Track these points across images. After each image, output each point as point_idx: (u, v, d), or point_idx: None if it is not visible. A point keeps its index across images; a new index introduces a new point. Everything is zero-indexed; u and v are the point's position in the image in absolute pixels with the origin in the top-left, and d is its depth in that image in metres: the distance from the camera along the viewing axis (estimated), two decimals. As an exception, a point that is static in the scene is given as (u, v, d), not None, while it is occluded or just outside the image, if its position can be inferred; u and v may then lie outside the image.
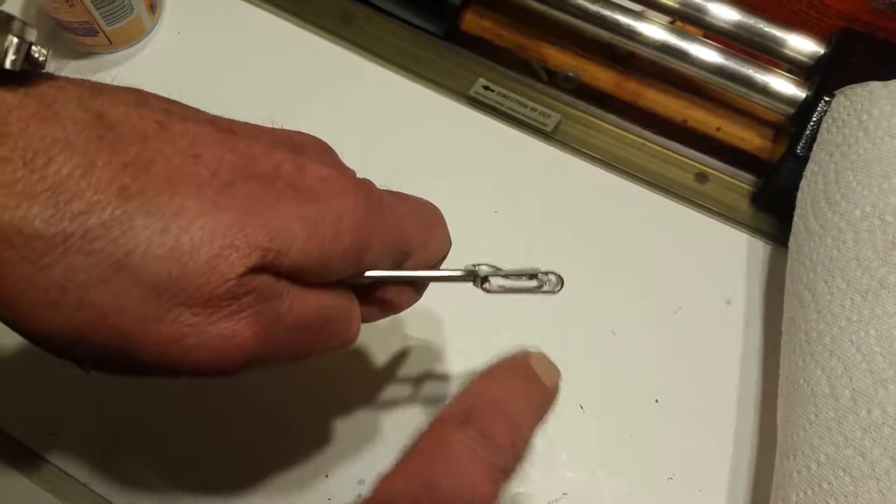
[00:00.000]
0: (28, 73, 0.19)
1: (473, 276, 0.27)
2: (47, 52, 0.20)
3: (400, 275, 0.26)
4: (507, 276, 0.27)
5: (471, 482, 0.20)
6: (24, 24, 0.19)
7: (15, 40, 0.19)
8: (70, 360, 0.21)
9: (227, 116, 0.23)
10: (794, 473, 0.30)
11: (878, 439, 0.28)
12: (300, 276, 0.22)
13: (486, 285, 0.26)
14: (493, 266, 0.27)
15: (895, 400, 0.28)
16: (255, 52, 0.47)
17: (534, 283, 0.27)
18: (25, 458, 0.34)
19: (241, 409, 0.35)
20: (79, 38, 0.44)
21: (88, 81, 0.21)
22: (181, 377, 0.21)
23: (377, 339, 0.37)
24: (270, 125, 0.24)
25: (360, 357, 0.37)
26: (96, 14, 0.43)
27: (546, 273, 0.27)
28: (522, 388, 0.24)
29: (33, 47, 0.19)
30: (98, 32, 0.44)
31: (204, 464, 0.34)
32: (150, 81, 0.47)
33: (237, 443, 0.34)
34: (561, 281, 0.27)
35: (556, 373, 0.25)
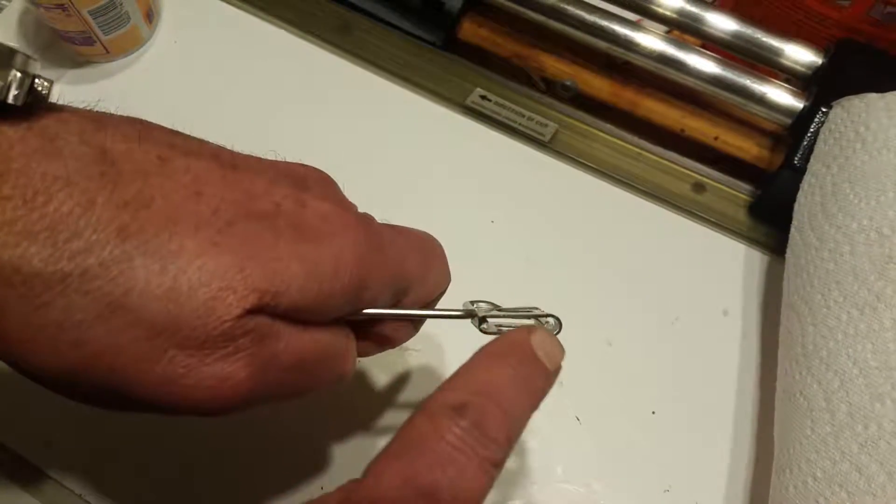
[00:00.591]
0: (34, 106, 0.19)
1: (472, 316, 0.26)
2: (50, 85, 0.20)
3: (398, 313, 0.25)
4: (505, 315, 0.26)
5: (464, 477, 0.20)
6: (28, 57, 0.19)
7: (18, 75, 0.18)
8: (70, 397, 0.21)
9: (229, 147, 0.23)
10: (790, 488, 0.30)
11: (874, 454, 0.28)
12: (297, 316, 0.21)
13: (484, 326, 0.26)
14: (490, 303, 0.27)
15: (892, 415, 0.28)
16: (253, 62, 0.47)
17: (531, 324, 0.27)
18: (21, 469, 0.34)
19: (237, 421, 0.35)
20: (76, 47, 0.44)
21: (91, 113, 0.21)
22: (176, 415, 0.21)
23: (374, 359, 0.37)
24: (274, 156, 0.24)
25: (359, 371, 0.37)
26: (93, 24, 0.43)
27: (546, 315, 0.27)
28: (520, 374, 0.23)
29: (37, 80, 0.19)
30: (95, 42, 0.44)
31: (200, 475, 0.34)
32: (148, 90, 0.47)
33: (233, 455, 0.34)
34: (559, 324, 0.27)
35: (558, 351, 0.24)
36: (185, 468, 0.34)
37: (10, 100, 0.18)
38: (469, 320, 0.26)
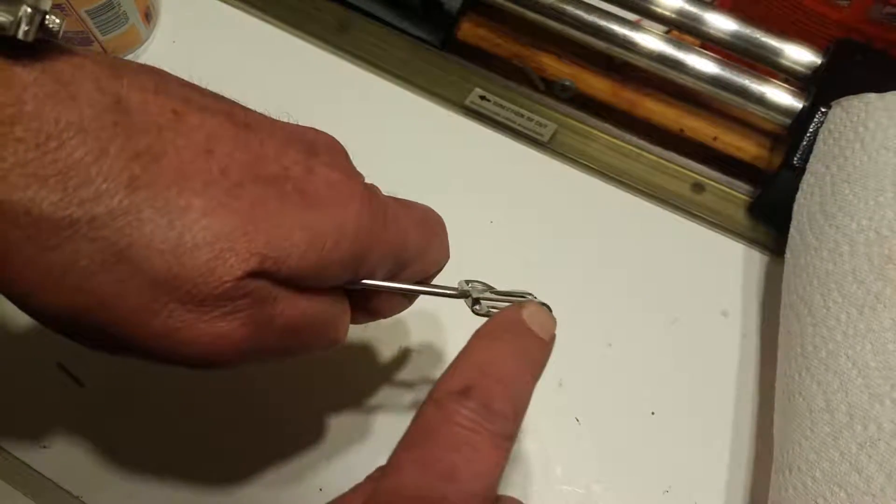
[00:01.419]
0: (45, 46, 0.19)
1: (466, 296, 0.27)
2: (62, 21, 0.19)
3: (395, 286, 0.26)
4: (498, 299, 0.27)
5: (479, 455, 0.20)
6: None
7: (28, 10, 0.18)
8: (68, 337, 0.21)
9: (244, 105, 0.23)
10: (790, 489, 0.30)
11: (873, 455, 0.28)
12: (296, 282, 0.22)
13: (477, 307, 0.26)
14: (485, 284, 0.27)
15: (891, 415, 0.28)
16: (251, 62, 0.47)
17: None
18: (18, 470, 0.34)
19: (235, 420, 0.35)
20: (74, 47, 0.44)
21: (109, 58, 0.21)
22: (171, 365, 0.22)
23: (374, 339, 0.37)
24: (287, 119, 0.25)
25: (357, 358, 0.37)
26: (91, 24, 0.43)
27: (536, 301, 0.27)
28: (516, 348, 0.23)
29: (48, 16, 0.19)
30: (93, 42, 0.44)
31: (197, 477, 0.34)
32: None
33: (232, 455, 0.34)
34: (549, 310, 0.27)
35: (551, 321, 0.25)
36: (183, 470, 0.34)
37: (21, 35, 0.18)
38: (463, 300, 0.27)
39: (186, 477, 0.34)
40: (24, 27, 0.18)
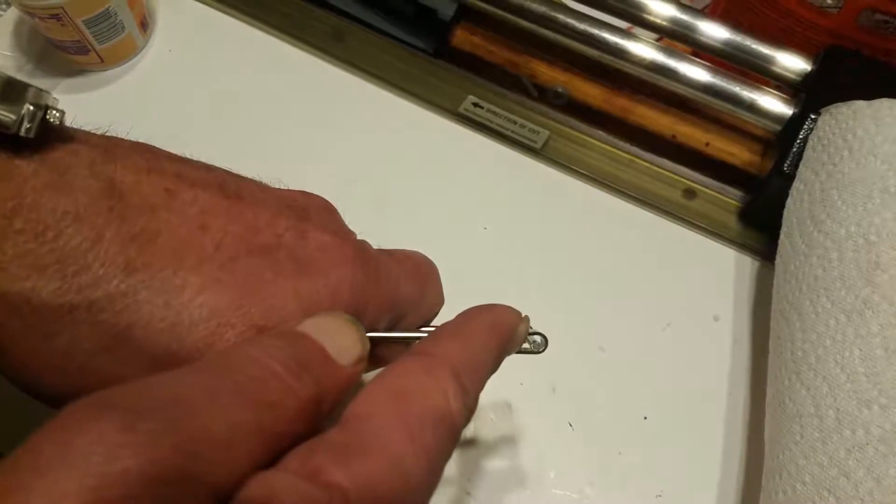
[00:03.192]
0: (47, 137, 0.20)
1: None
2: (62, 115, 0.20)
3: (392, 336, 0.26)
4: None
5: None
6: (40, 90, 0.20)
7: (30, 108, 0.19)
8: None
9: (233, 170, 0.24)
10: (779, 493, 0.30)
11: (861, 460, 0.28)
12: None
13: None
14: None
15: (879, 420, 0.28)
16: (247, 70, 0.47)
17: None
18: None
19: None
20: (70, 56, 0.45)
21: (102, 141, 0.22)
22: None
23: None
24: (277, 184, 0.25)
25: None
26: (87, 33, 0.43)
27: (532, 334, 0.27)
28: (490, 344, 0.23)
29: (49, 111, 0.20)
30: (90, 51, 0.44)
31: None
32: (142, 99, 0.47)
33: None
34: (545, 342, 0.27)
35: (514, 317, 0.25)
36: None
37: (23, 133, 0.19)
38: None
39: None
40: (26, 125, 0.19)
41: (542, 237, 0.42)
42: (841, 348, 0.30)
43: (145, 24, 0.47)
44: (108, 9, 0.43)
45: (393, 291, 0.25)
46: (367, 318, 0.24)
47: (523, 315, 0.25)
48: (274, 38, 0.48)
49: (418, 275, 0.27)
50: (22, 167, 0.19)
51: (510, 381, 0.37)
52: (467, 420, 0.21)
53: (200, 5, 0.49)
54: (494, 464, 0.35)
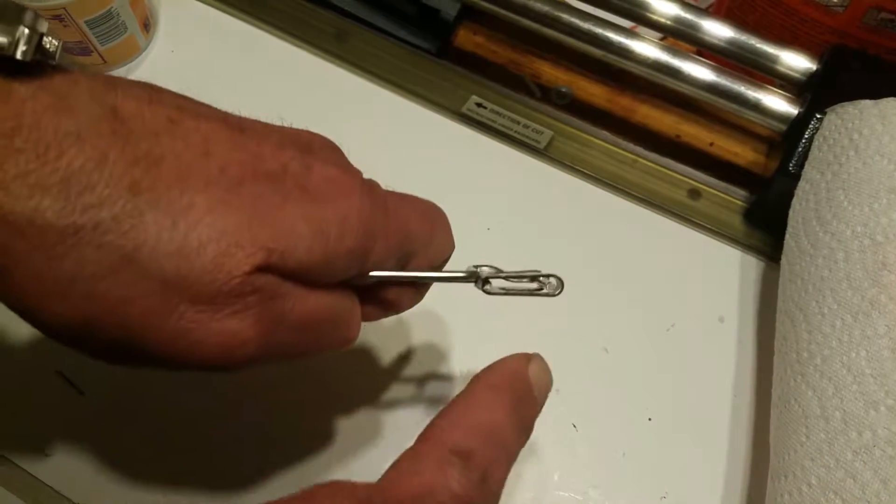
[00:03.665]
0: (42, 65, 0.19)
1: (475, 278, 0.27)
2: (59, 43, 0.20)
3: (403, 275, 0.26)
4: (507, 277, 0.27)
5: None
6: (37, 15, 0.19)
7: (26, 31, 0.19)
8: (78, 348, 0.21)
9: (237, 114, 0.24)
10: (785, 495, 0.30)
11: (868, 462, 0.28)
12: (304, 277, 0.22)
13: (487, 287, 0.27)
14: (493, 267, 0.27)
15: (886, 422, 0.28)
16: (250, 70, 0.47)
17: (534, 286, 0.27)
18: (20, 479, 0.34)
19: (238, 427, 0.35)
20: (73, 57, 0.45)
21: (102, 75, 0.21)
22: (185, 370, 0.21)
23: (379, 340, 0.37)
24: (280, 123, 0.25)
25: (362, 358, 0.37)
26: (90, 34, 0.43)
27: (547, 276, 0.27)
28: (520, 414, 0.24)
29: (45, 38, 0.19)
30: (92, 52, 0.44)
31: (200, 484, 0.34)
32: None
33: (235, 462, 0.34)
34: (561, 284, 0.27)
35: (548, 384, 0.25)
36: (186, 477, 0.34)
37: (19, 55, 0.19)
38: (473, 284, 0.27)
39: (188, 484, 0.34)
40: (22, 47, 0.19)
41: (545, 238, 0.42)
42: (847, 349, 0.30)
43: (148, 25, 0.47)
44: (110, 9, 0.43)
45: (402, 227, 0.25)
46: (375, 253, 0.23)
47: (531, 354, 0.25)
48: (277, 39, 0.48)
49: (428, 216, 0.27)
50: (20, 90, 0.19)
51: (514, 383, 0.37)
52: (491, 485, 0.21)
53: (203, 6, 0.49)
54: (498, 465, 0.35)
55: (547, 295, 0.27)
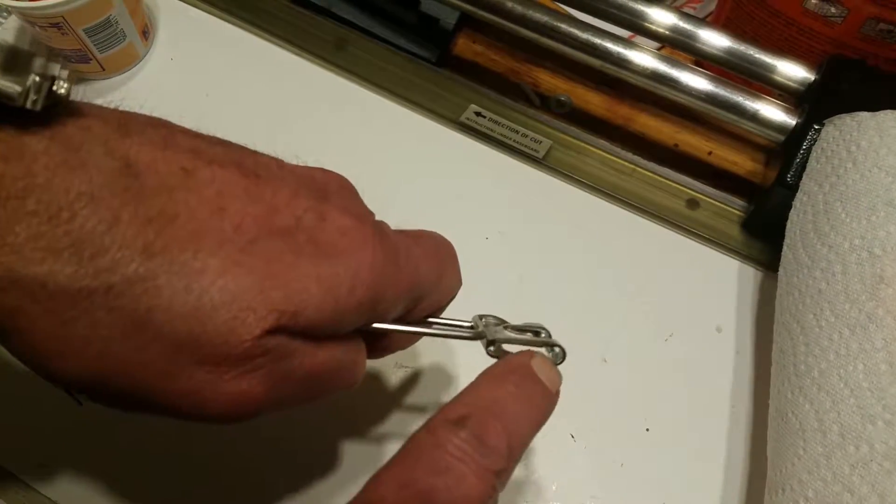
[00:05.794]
0: (53, 111, 0.19)
1: (481, 337, 0.27)
2: (70, 86, 0.19)
3: (410, 330, 0.26)
4: (512, 341, 0.27)
5: (462, 484, 0.20)
6: (47, 60, 0.19)
7: (36, 79, 0.18)
8: (90, 398, 0.21)
9: (252, 149, 0.24)
10: (783, 508, 0.30)
11: (866, 476, 0.28)
12: (313, 332, 0.22)
13: (491, 349, 0.27)
14: (498, 318, 0.28)
15: (883, 436, 0.28)
16: (249, 79, 0.47)
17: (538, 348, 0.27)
18: (17, 489, 0.34)
19: (240, 441, 0.35)
20: (72, 65, 0.45)
21: (116, 115, 0.21)
22: (193, 421, 0.22)
23: (384, 364, 0.37)
24: (294, 161, 0.25)
25: (368, 385, 0.37)
26: (88, 42, 0.43)
27: (552, 344, 0.27)
28: (522, 391, 0.24)
29: (57, 82, 0.19)
30: (91, 59, 0.44)
31: (199, 497, 0.34)
32: (144, 108, 0.47)
33: (235, 475, 0.34)
34: (563, 354, 0.27)
35: (557, 376, 0.25)
36: (184, 489, 0.34)
37: (29, 105, 0.18)
38: (478, 341, 0.27)
39: (188, 498, 0.34)
40: (32, 97, 0.18)
41: (544, 247, 0.42)
42: (844, 363, 0.30)
43: (147, 33, 0.47)
44: (109, 17, 0.43)
45: (412, 274, 0.25)
46: (385, 303, 0.23)
47: (535, 351, 0.26)
48: (276, 47, 0.48)
49: (437, 257, 0.27)
50: (32, 144, 0.18)
51: (512, 393, 0.37)
52: (492, 446, 0.21)
53: (202, 13, 0.49)
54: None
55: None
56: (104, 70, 0.46)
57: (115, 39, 0.44)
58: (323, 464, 0.35)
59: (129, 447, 0.35)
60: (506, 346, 0.27)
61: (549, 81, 0.47)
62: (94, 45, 0.44)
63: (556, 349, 0.27)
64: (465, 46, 0.48)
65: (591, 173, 0.44)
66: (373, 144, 0.44)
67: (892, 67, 0.42)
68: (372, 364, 0.37)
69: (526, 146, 0.44)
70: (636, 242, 0.42)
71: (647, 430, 0.37)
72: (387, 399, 0.37)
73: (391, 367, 0.37)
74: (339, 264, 0.22)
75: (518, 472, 0.35)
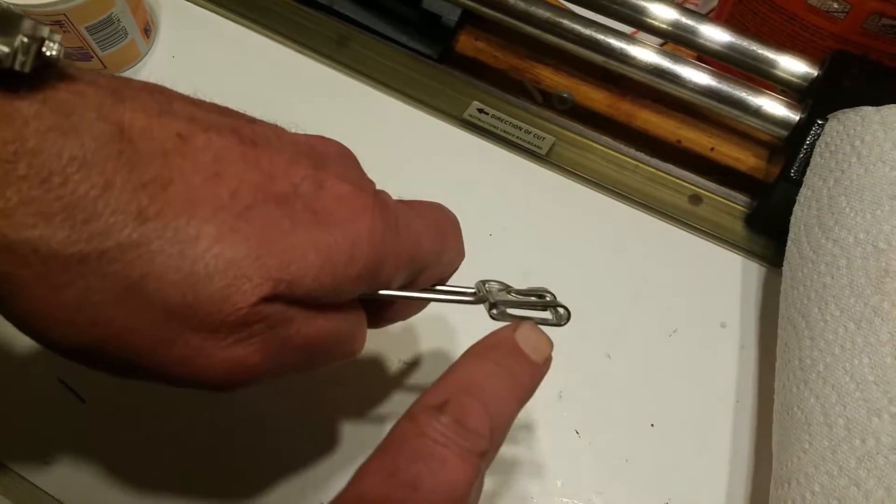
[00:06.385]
0: (45, 74, 0.19)
1: (483, 301, 0.27)
2: (60, 48, 0.19)
3: (410, 295, 0.26)
4: (516, 301, 0.27)
5: (446, 468, 0.20)
6: (36, 22, 0.19)
7: (24, 40, 0.18)
8: (85, 366, 0.21)
9: (251, 116, 0.23)
10: (788, 502, 0.30)
11: (872, 469, 0.28)
12: (311, 301, 0.22)
13: (494, 312, 0.26)
14: (502, 284, 0.27)
15: (889, 430, 0.28)
16: (251, 76, 0.47)
17: (542, 314, 0.27)
18: (19, 486, 0.34)
19: (238, 435, 0.35)
20: (73, 62, 0.45)
21: (110, 81, 0.21)
22: (190, 388, 0.22)
23: (383, 348, 0.37)
24: (295, 130, 0.24)
25: (365, 368, 0.37)
26: (90, 40, 0.43)
27: (556, 305, 0.27)
28: (502, 367, 0.23)
29: (47, 43, 0.19)
30: (92, 57, 0.44)
31: (200, 492, 0.34)
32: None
33: (235, 471, 0.34)
34: (568, 315, 0.27)
35: (545, 343, 0.25)
36: (185, 485, 0.34)
37: (18, 66, 0.18)
38: (481, 305, 0.27)
39: (189, 493, 0.34)
40: (20, 58, 0.18)
41: (547, 243, 0.42)
42: (850, 356, 0.30)
43: (148, 31, 0.47)
44: (110, 15, 0.43)
45: (413, 245, 0.24)
46: (384, 273, 0.23)
47: (520, 321, 0.25)
48: (278, 44, 0.48)
49: (439, 228, 0.27)
50: (22, 108, 0.18)
51: (516, 389, 0.37)
52: (471, 430, 0.21)
53: (204, 11, 0.49)
54: (500, 473, 0.35)
55: (552, 324, 0.27)
56: (105, 68, 0.45)
57: (117, 37, 0.44)
58: (319, 451, 0.35)
59: (130, 443, 0.35)
60: (510, 312, 0.26)
61: (552, 78, 0.47)
62: (96, 42, 0.43)
63: (561, 310, 0.27)
64: (468, 43, 0.48)
65: (594, 169, 0.44)
66: (376, 142, 0.44)
67: (894, 62, 0.42)
68: (373, 355, 0.37)
69: (529, 143, 0.44)
70: (639, 238, 0.42)
71: (652, 425, 0.37)
72: (384, 386, 0.37)
73: (394, 363, 0.37)
74: (338, 232, 0.22)
75: (523, 467, 0.35)
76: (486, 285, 0.27)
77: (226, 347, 0.20)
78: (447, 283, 0.28)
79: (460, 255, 0.28)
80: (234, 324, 0.20)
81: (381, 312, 0.27)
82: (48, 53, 0.19)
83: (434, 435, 0.20)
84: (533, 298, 0.28)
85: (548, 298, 0.28)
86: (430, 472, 0.20)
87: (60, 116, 0.18)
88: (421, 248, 0.25)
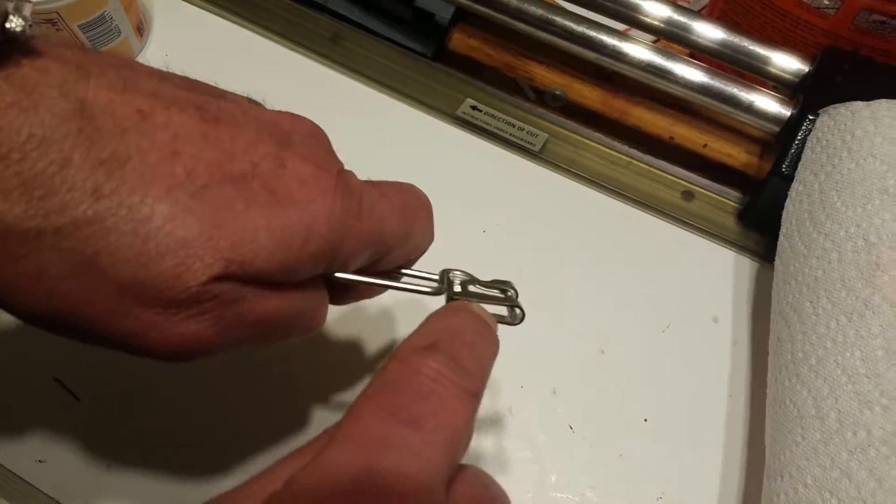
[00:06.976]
0: (8, 49, 0.19)
1: (440, 293, 0.27)
2: (25, 22, 0.19)
3: (371, 281, 0.26)
4: (477, 294, 0.27)
5: (446, 406, 0.20)
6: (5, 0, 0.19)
7: None
8: (46, 331, 0.22)
9: (222, 91, 0.23)
10: (781, 495, 0.30)
11: (863, 461, 0.28)
12: (265, 280, 0.22)
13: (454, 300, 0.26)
14: (466, 273, 0.27)
15: (880, 422, 0.28)
16: (244, 74, 0.47)
17: (501, 310, 0.27)
18: (14, 485, 0.34)
19: (232, 431, 0.35)
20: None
21: (77, 57, 0.20)
22: (143, 357, 0.22)
23: (362, 332, 0.37)
24: (261, 101, 0.24)
25: (346, 352, 0.37)
26: (83, 38, 0.43)
27: (514, 305, 0.27)
28: (475, 321, 0.24)
29: (10, 17, 0.18)
30: (86, 56, 0.44)
31: (195, 489, 0.34)
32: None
33: (230, 467, 0.34)
34: (523, 316, 0.27)
35: (494, 323, 0.25)
36: (180, 482, 0.34)
37: None
38: (440, 296, 0.27)
39: (183, 489, 0.34)
40: None
41: (540, 240, 0.42)
42: (842, 349, 0.30)
43: (141, 29, 0.47)
44: (103, 13, 0.43)
45: (376, 228, 0.24)
46: (343, 254, 0.23)
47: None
48: (272, 42, 0.48)
49: (406, 210, 0.26)
50: None
51: (510, 384, 0.37)
52: (467, 368, 0.21)
53: (197, 9, 0.49)
54: (494, 467, 0.35)
55: (507, 323, 0.26)
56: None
57: (110, 36, 0.44)
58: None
59: (125, 442, 0.35)
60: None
61: (545, 76, 0.47)
62: (89, 41, 0.43)
63: (517, 311, 0.27)
64: (461, 41, 0.48)
65: (588, 166, 0.44)
66: (369, 139, 0.44)
67: (885, 58, 0.42)
68: (349, 334, 0.37)
69: (522, 139, 0.45)
70: (632, 234, 0.42)
71: (646, 420, 0.37)
72: (365, 370, 0.36)
73: (368, 337, 0.37)
74: (294, 213, 0.22)
75: (517, 462, 0.35)
76: (450, 275, 0.27)
77: (178, 322, 0.21)
78: (414, 268, 0.28)
79: (429, 237, 0.28)
80: (184, 301, 0.20)
81: (344, 291, 0.27)
82: (11, 28, 0.19)
83: (430, 373, 0.20)
84: (494, 292, 0.27)
85: (510, 293, 0.28)
86: (431, 412, 0.20)
87: (22, 93, 0.18)
88: (384, 230, 0.25)
